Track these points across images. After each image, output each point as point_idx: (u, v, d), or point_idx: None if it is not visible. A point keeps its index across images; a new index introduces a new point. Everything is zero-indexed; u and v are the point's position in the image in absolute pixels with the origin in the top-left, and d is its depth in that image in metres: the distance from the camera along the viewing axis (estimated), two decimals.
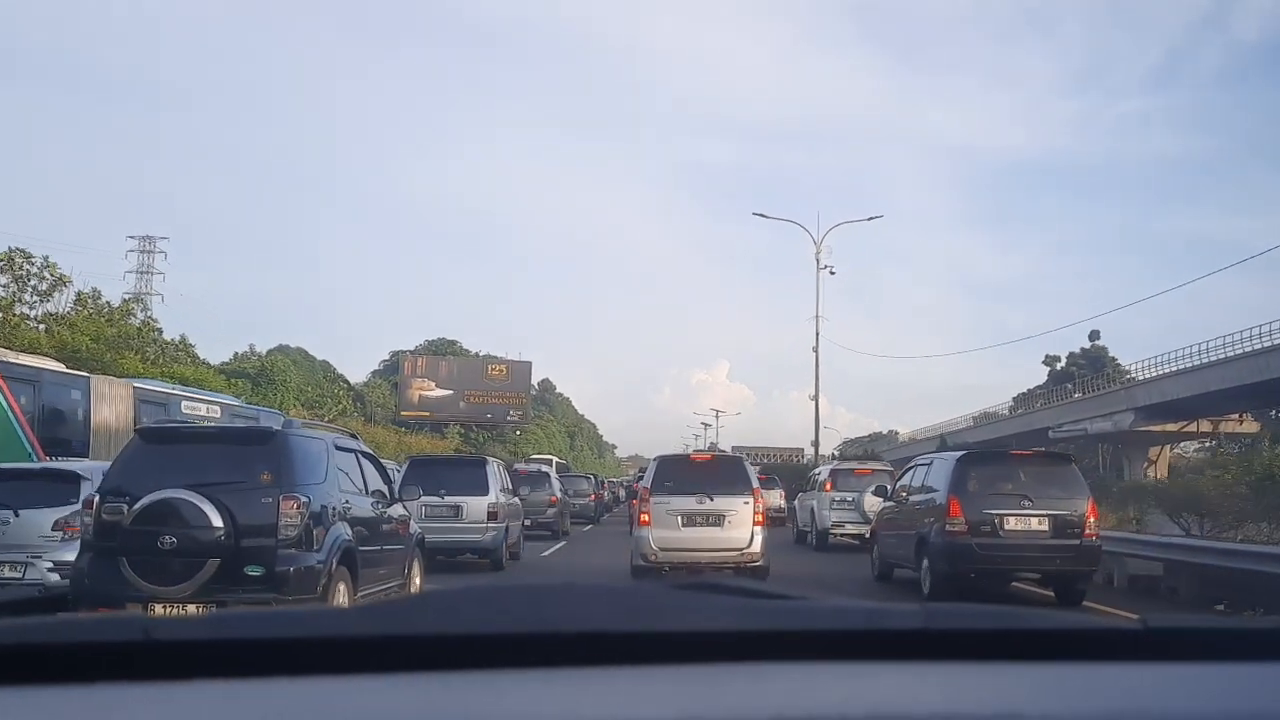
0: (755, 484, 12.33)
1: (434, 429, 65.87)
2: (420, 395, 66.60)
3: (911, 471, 13.39)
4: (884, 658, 1.01)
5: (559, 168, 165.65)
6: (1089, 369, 61.82)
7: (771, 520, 26.68)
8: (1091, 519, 11.15)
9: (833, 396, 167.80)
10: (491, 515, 14.05)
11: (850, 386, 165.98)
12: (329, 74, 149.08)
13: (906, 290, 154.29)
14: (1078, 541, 10.91)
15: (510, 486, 16.37)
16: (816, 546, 19.43)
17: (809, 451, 39.81)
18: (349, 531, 7.49)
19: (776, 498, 25.22)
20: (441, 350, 73.68)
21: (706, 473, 12.28)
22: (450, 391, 66.86)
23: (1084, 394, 54.08)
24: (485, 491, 14.19)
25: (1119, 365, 60.42)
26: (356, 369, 79.39)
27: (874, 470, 20.36)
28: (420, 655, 0.94)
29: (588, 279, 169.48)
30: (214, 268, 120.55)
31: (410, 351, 70.23)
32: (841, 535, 18.81)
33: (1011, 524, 10.86)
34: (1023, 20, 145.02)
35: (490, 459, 16.12)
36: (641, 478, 14.63)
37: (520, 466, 24.53)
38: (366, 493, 8.29)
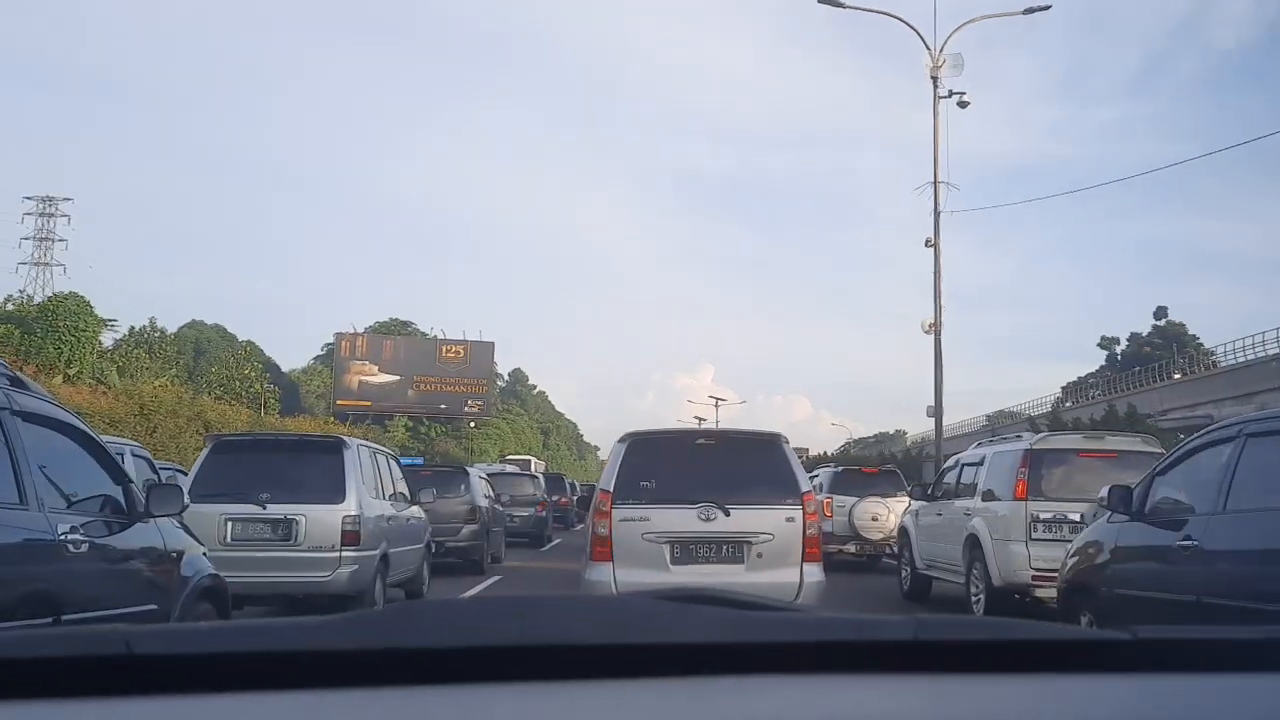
0: (806, 485, 7.87)
1: (376, 421, 61.00)
2: (360, 381, 60.75)
3: (1206, 454, 6.25)
4: (873, 670, 1.06)
5: (542, 166, 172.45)
6: (1165, 349, 57.11)
7: (887, 555, 15.63)
8: None
9: (817, 400, 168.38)
10: (349, 537, 9.26)
11: (836, 389, 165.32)
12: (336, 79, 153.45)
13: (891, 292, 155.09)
14: None
15: (403, 490, 11.48)
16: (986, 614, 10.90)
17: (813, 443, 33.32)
18: None
19: (893, 514, 15.67)
20: (392, 333, 68.91)
21: (715, 464, 7.95)
22: (396, 377, 61.05)
23: (1186, 374, 46.81)
24: (339, 495, 9.35)
25: (1201, 345, 56.27)
26: (300, 356, 76.55)
27: (1119, 453, 10.06)
28: (406, 668, 0.99)
29: (570, 279, 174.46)
30: (139, 241, 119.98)
31: (351, 332, 65.53)
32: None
33: None
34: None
35: (353, 441, 10.33)
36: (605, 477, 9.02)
37: (478, 467, 18.84)
38: None
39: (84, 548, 4.95)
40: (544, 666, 0.99)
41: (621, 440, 8.15)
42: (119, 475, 5.57)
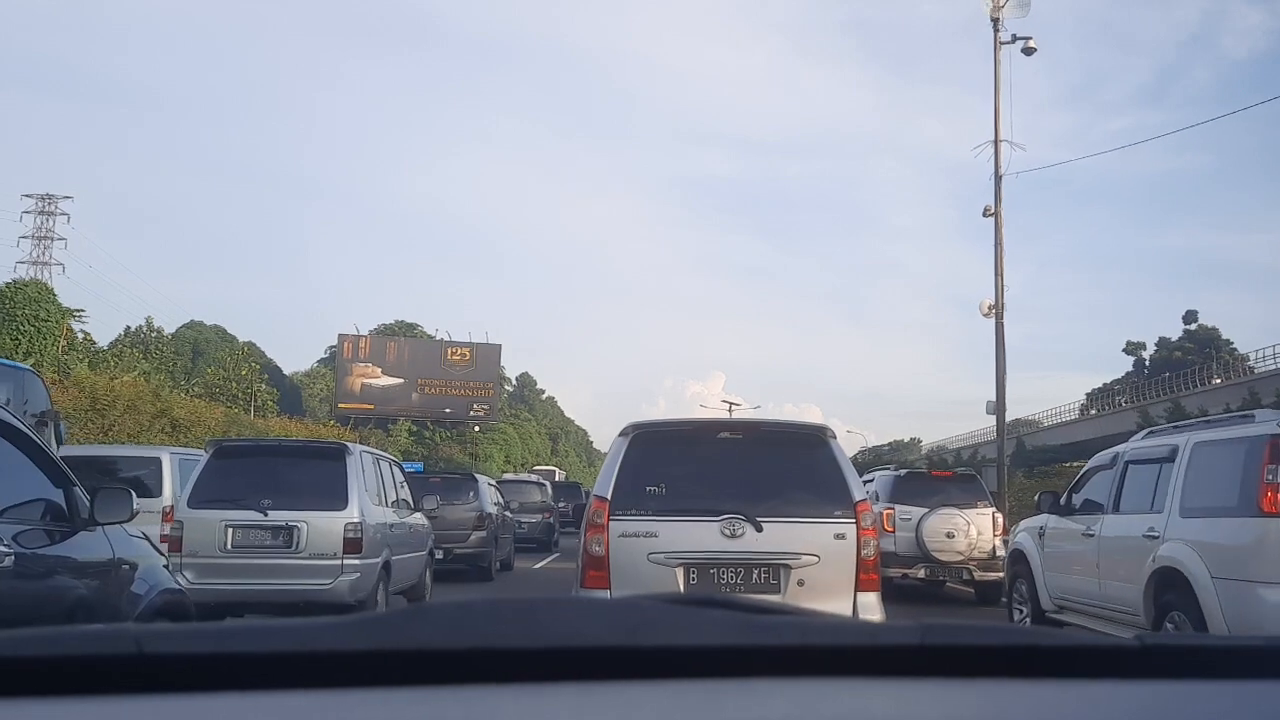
0: (860, 493, 6.42)
1: (379, 424, 60.20)
2: (363, 384, 59.85)
3: None
4: (880, 674, 1.07)
5: (554, 172, 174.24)
6: (1196, 355, 55.70)
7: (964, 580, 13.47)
8: None
9: (828, 408, 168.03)
10: (351, 545, 9.17)
11: (846, 398, 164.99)
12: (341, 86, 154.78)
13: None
14: None
15: (406, 497, 11.42)
16: None
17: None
18: None
19: (974, 529, 13.16)
20: (397, 335, 67.86)
21: (743, 465, 6.51)
22: (400, 380, 60.20)
23: (1227, 378, 44.89)
24: (341, 502, 9.28)
25: (1235, 350, 54.91)
26: (306, 360, 76.37)
27: None
28: (416, 669, 1.00)
29: (581, 286, 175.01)
30: (142, 242, 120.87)
31: (354, 333, 64.59)
32: None
33: None
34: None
35: (355, 447, 10.27)
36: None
37: (493, 474, 18.96)
38: None
39: (6, 561, 4.52)
40: (554, 668, 1.00)
41: (623, 433, 6.57)
42: (60, 478, 5.12)
